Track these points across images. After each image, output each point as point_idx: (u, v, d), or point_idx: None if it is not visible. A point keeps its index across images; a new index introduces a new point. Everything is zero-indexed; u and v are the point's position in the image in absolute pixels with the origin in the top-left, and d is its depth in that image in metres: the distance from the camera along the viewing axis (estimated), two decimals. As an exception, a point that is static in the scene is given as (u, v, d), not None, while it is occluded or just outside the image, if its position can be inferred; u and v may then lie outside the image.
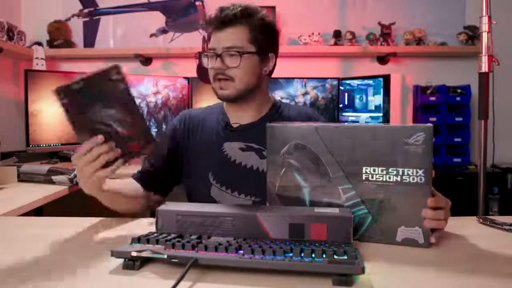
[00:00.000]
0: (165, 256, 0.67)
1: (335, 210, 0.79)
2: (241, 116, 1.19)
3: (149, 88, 2.41)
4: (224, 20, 1.10)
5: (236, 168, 1.14)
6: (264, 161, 1.11)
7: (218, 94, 1.14)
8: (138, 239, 0.72)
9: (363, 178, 0.82)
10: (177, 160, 1.21)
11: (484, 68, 1.67)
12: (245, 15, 1.11)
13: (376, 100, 2.48)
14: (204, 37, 2.46)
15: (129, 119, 0.85)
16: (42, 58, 2.52)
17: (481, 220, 0.95)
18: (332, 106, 2.55)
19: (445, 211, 0.81)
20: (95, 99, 0.83)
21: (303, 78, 2.52)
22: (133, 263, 0.68)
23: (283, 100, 2.46)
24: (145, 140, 0.87)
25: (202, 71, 2.29)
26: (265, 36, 1.14)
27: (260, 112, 1.20)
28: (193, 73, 2.38)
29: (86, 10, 2.77)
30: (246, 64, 1.11)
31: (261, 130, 1.08)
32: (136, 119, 0.86)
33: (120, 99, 0.84)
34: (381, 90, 2.45)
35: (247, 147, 1.16)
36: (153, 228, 0.84)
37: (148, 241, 0.72)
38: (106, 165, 0.86)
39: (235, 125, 1.19)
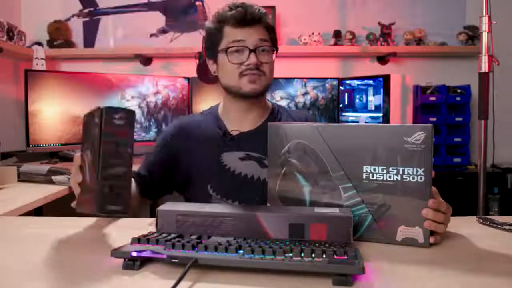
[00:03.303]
0: (165, 256, 0.67)
1: (335, 210, 0.79)
2: (242, 121, 1.17)
3: (149, 88, 2.41)
4: (252, 17, 1.10)
5: (236, 179, 1.13)
6: (265, 170, 1.10)
7: (248, 89, 1.10)
8: (138, 239, 0.72)
9: (364, 177, 0.82)
10: (172, 171, 1.18)
11: (484, 68, 1.67)
12: (264, 15, 1.13)
13: (376, 100, 2.48)
14: (204, 37, 2.46)
15: (94, 169, 0.73)
16: (42, 58, 2.52)
17: (481, 220, 0.95)
18: (332, 106, 2.55)
19: (445, 216, 0.81)
20: (85, 135, 0.81)
21: (303, 78, 2.53)
22: (133, 263, 0.68)
23: (283, 101, 2.47)
24: (92, 201, 0.73)
25: (202, 71, 2.29)
26: (275, 36, 1.17)
27: (260, 118, 1.19)
28: (193, 73, 2.38)
29: (86, 10, 2.77)
30: (273, 60, 1.14)
31: (260, 138, 1.07)
32: (95, 173, 0.72)
33: (96, 144, 0.73)
34: (381, 90, 2.45)
35: (247, 156, 1.14)
36: (153, 228, 0.84)
37: (148, 241, 0.72)
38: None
39: (234, 133, 1.17)
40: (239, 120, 1.18)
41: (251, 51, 1.09)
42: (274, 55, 1.14)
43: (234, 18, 1.09)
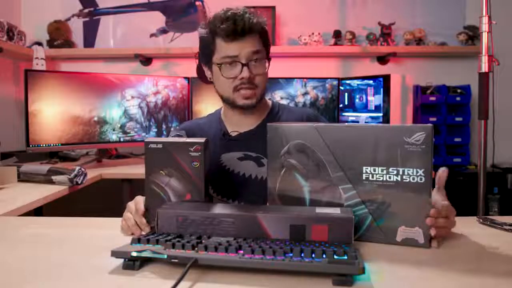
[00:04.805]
0: (165, 256, 0.67)
1: (337, 211, 0.79)
2: (241, 123, 1.18)
3: (149, 88, 2.41)
4: (243, 29, 1.06)
5: (235, 178, 1.14)
6: (263, 169, 1.11)
7: (242, 103, 1.11)
8: (138, 239, 0.72)
9: (363, 177, 0.82)
10: None
11: (484, 68, 1.67)
12: (257, 23, 1.09)
13: (376, 100, 2.48)
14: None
15: (189, 197, 0.89)
16: (42, 58, 2.52)
17: (481, 220, 0.95)
18: (332, 106, 2.55)
19: (449, 221, 0.81)
20: (164, 164, 0.89)
21: (303, 78, 2.52)
22: (133, 263, 0.68)
23: (283, 101, 2.46)
24: None
25: (202, 71, 2.28)
26: (268, 40, 1.16)
27: (259, 118, 1.19)
28: (193, 73, 2.36)
29: (86, 10, 2.76)
30: (266, 70, 1.13)
31: (259, 138, 1.06)
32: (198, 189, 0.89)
33: (189, 175, 0.89)
34: (381, 90, 2.45)
35: (245, 156, 1.15)
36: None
37: (148, 241, 0.72)
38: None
39: (233, 134, 1.18)
40: (238, 122, 1.19)
41: (243, 65, 1.08)
42: (267, 64, 1.13)
43: (224, 31, 1.07)
